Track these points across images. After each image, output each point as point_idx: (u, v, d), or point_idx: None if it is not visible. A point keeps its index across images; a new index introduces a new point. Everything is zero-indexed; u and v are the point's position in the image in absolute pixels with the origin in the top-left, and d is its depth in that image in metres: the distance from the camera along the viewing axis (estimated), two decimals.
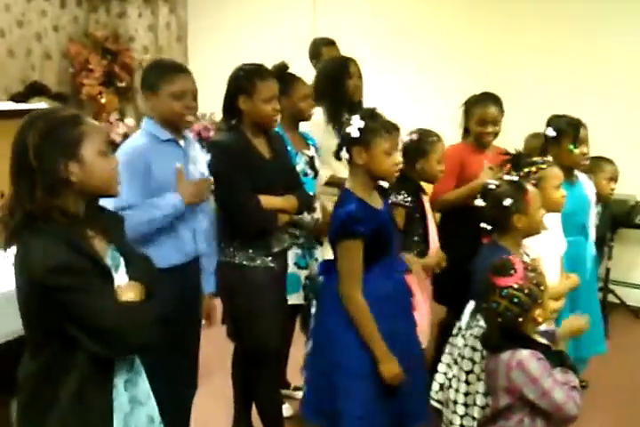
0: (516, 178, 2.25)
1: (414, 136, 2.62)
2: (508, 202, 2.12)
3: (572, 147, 2.76)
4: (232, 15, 5.52)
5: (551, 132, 2.78)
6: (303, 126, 2.87)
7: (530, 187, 2.19)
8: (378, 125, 2.03)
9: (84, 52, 5.30)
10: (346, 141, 2.06)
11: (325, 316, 2.15)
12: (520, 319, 1.75)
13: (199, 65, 5.37)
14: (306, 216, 2.63)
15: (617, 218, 3.95)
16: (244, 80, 2.27)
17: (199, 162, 2.25)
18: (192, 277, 2.28)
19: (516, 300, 1.74)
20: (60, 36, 5.35)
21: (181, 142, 2.19)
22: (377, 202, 2.12)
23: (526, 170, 2.42)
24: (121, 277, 1.55)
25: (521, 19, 4.48)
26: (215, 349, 2.78)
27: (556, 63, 4.35)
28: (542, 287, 1.78)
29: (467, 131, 3.03)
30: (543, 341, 1.85)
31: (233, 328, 2.46)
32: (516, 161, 2.46)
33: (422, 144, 2.59)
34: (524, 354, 1.73)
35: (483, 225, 2.18)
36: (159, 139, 2.13)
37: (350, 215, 2.00)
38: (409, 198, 2.55)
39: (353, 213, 2.00)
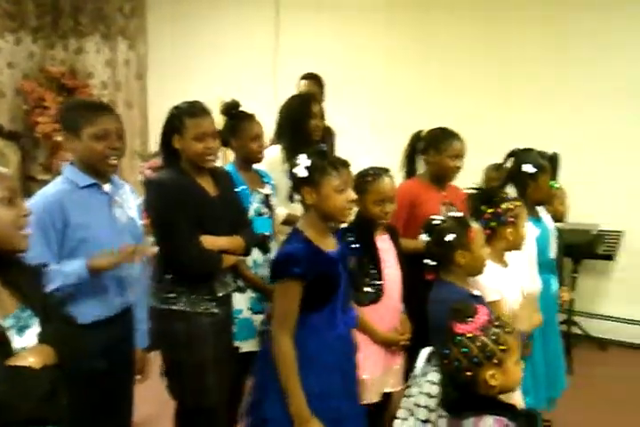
0: (460, 214, 2.21)
1: (354, 175, 2.43)
2: (450, 237, 2.08)
3: (552, 182, 2.75)
4: (193, 52, 5.51)
5: (530, 169, 2.71)
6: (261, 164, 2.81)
7: (474, 223, 2.16)
8: (325, 163, 1.97)
9: (38, 90, 5.21)
10: (295, 182, 2.01)
11: (263, 366, 2.02)
12: (468, 374, 1.60)
13: (159, 101, 5.33)
14: (258, 257, 2.55)
15: (579, 249, 3.96)
16: (176, 119, 2.22)
17: (128, 206, 2.13)
18: (121, 330, 2.11)
19: (465, 350, 1.60)
20: (14, 73, 5.26)
21: (105, 187, 2.07)
22: (330, 245, 2.04)
23: (504, 206, 2.36)
24: (28, 340, 1.43)
25: (474, 57, 4.58)
26: (153, 406, 2.57)
27: (506, 99, 4.45)
28: (504, 347, 1.60)
29: (412, 167, 2.97)
30: (516, 399, 1.72)
31: (171, 382, 2.30)
32: (490, 197, 2.41)
33: (359, 184, 2.40)
34: (489, 423, 1.58)
35: (426, 261, 2.14)
36: (78, 185, 2.00)
37: (290, 255, 1.93)
38: (352, 239, 2.37)
39: (292, 252, 1.93)
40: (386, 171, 2.47)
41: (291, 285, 1.92)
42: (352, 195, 2.01)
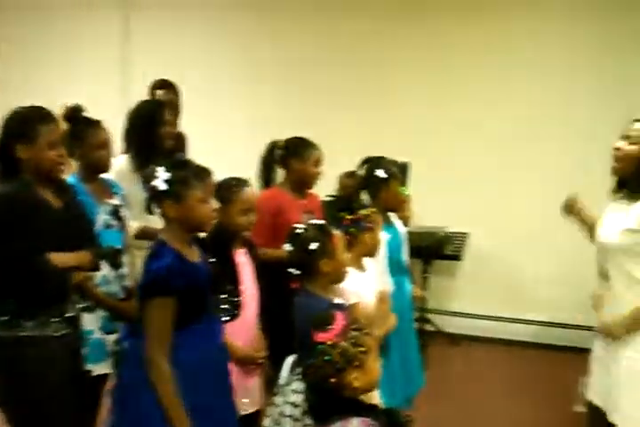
0: (322, 222, 2.25)
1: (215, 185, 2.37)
2: (314, 246, 2.10)
3: (402, 189, 2.87)
4: (32, 51, 5.14)
5: (382, 174, 2.80)
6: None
7: (335, 231, 2.20)
8: (188, 174, 1.92)
9: None
10: (154, 195, 1.92)
11: (132, 390, 1.91)
12: (332, 380, 1.63)
13: None
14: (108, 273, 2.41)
15: (429, 250, 4.18)
16: (22, 124, 2.04)
17: None
18: None
19: (327, 358, 1.63)
20: None
21: None
22: (194, 255, 1.99)
23: (363, 213, 2.44)
24: None
25: (332, 63, 4.69)
26: None
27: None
28: (364, 349, 1.66)
29: (270, 176, 2.98)
30: (375, 399, 1.75)
31: (13, 413, 2.08)
32: (348, 204, 2.48)
33: (223, 194, 2.35)
34: (355, 424, 1.61)
35: (290, 270, 2.14)
36: None
37: (165, 269, 1.85)
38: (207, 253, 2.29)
39: (169, 266, 1.85)
40: (246, 181, 2.45)
41: (167, 301, 1.85)
42: (215, 204, 1.99)
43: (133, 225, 2.67)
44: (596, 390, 2.41)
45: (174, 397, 1.84)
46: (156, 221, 2.28)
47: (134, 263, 2.56)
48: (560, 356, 4.16)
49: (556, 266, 4.30)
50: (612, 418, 2.30)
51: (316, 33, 4.68)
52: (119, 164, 2.76)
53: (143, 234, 2.68)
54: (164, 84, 3.73)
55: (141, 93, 3.66)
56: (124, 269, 2.52)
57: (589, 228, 2.48)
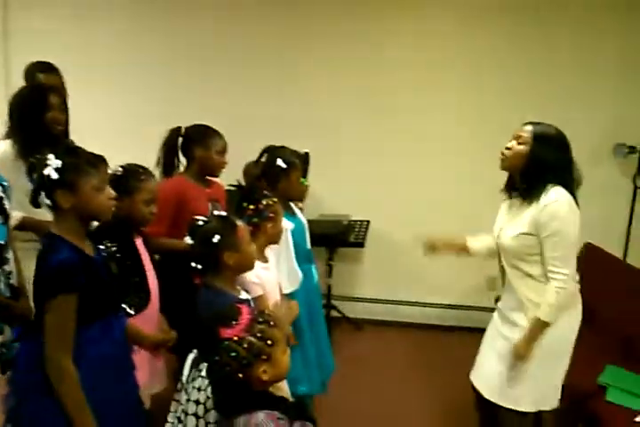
0: (225, 213, 2.19)
1: (119, 172, 2.30)
2: (217, 239, 2.04)
3: (302, 179, 2.85)
4: None
5: (282, 164, 2.76)
6: None
7: (239, 222, 2.14)
8: (81, 161, 1.81)
9: None
10: (44, 185, 1.79)
11: (30, 396, 1.78)
12: (240, 375, 1.60)
13: None
14: None
15: (334, 238, 4.21)
16: None
17: None
18: None
19: (233, 354, 1.60)
20: None
21: None
22: (90, 249, 1.89)
23: (265, 202, 2.41)
24: None
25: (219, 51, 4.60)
26: None
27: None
28: (270, 342, 1.64)
29: (172, 164, 2.87)
30: (284, 389, 1.71)
31: None
32: (250, 193, 2.44)
33: (128, 182, 2.28)
34: (261, 418, 1.60)
35: (193, 264, 2.07)
36: None
37: (66, 265, 1.73)
38: (110, 244, 2.21)
39: (69, 261, 1.74)
40: (149, 170, 2.37)
41: (68, 299, 1.74)
42: (111, 192, 1.88)
43: (16, 216, 2.48)
44: (476, 372, 2.52)
45: (78, 396, 1.74)
46: (42, 214, 2.14)
47: (19, 259, 2.37)
48: (461, 336, 4.31)
49: None
50: (493, 398, 2.40)
51: (217, 19, 4.54)
52: (0, 150, 2.57)
53: (24, 225, 2.52)
54: (46, 68, 3.46)
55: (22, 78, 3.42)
56: (9, 266, 2.33)
57: (462, 249, 2.66)
